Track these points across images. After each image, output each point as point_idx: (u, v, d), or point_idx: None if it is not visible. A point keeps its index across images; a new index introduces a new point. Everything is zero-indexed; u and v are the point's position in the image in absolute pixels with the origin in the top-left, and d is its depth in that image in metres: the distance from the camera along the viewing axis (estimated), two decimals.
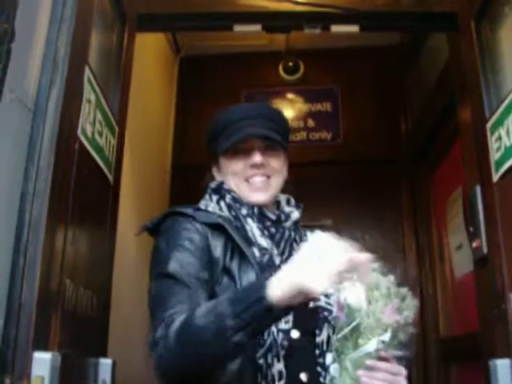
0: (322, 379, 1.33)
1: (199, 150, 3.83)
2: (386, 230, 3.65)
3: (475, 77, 2.08)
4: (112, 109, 1.87)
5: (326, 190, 3.63)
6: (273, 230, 1.51)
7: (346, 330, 1.28)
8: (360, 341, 1.27)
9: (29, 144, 1.36)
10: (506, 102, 1.78)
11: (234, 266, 1.40)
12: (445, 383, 3.11)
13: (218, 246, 1.42)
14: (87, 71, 1.57)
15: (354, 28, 2.42)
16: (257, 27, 2.42)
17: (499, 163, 1.83)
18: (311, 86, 4.03)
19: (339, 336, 1.29)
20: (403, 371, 1.29)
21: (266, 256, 1.44)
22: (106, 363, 1.75)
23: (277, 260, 1.45)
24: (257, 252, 1.44)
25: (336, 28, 2.45)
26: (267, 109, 1.65)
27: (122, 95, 2.03)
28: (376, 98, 3.93)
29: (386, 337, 1.26)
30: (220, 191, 1.62)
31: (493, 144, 1.89)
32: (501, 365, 1.71)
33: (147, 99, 3.24)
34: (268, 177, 1.53)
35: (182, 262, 1.36)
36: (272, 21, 2.48)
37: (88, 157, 1.61)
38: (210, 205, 1.61)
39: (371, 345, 1.25)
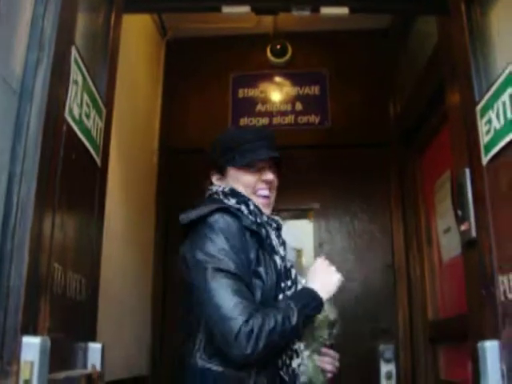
0: (293, 362, 1.69)
1: (186, 133, 3.87)
2: (374, 213, 3.66)
3: (465, 60, 2.07)
4: (99, 90, 1.84)
5: (314, 174, 3.63)
6: (281, 238, 1.86)
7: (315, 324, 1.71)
8: (316, 333, 1.71)
9: (15, 125, 1.34)
10: (496, 84, 1.77)
11: (262, 269, 1.69)
12: (432, 365, 3.13)
13: (252, 250, 1.70)
14: (74, 52, 1.54)
15: (343, 10, 2.39)
16: (245, 8, 2.39)
17: (489, 146, 1.82)
18: (299, 69, 4.01)
19: (308, 330, 1.70)
20: (337, 355, 1.78)
21: (284, 263, 1.77)
22: (95, 347, 1.74)
23: (288, 264, 1.79)
24: (278, 260, 1.75)
25: (325, 10, 2.42)
26: (270, 131, 1.99)
27: (109, 77, 1.99)
28: (365, 81, 3.92)
29: (333, 330, 1.75)
30: (238, 196, 1.85)
31: (482, 127, 1.88)
32: (489, 346, 1.72)
33: (134, 82, 3.21)
34: (272, 193, 1.88)
35: (239, 263, 1.64)
36: (261, 2, 2.45)
37: (76, 139, 1.58)
38: (240, 207, 1.82)
39: (324, 336, 1.73)
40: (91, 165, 1.79)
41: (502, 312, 1.74)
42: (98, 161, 1.84)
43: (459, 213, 2.15)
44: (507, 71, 1.68)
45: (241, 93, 3.97)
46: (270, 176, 1.85)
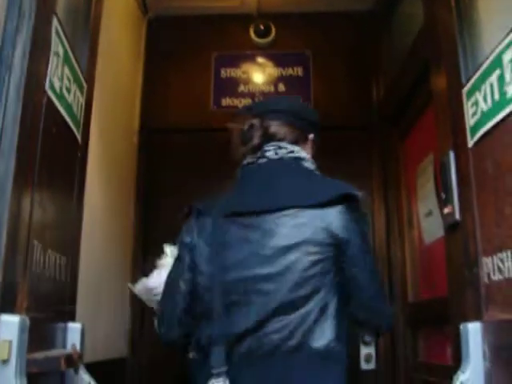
0: None
1: (167, 113, 3.82)
2: None
3: (452, 41, 2.05)
4: (81, 65, 1.80)
5: None
6: None
7: None
8: None
9: None
10: (484, 66, 1.76)
11: None
12: (412, 347, 3.15)
13: None
14: (55, 22, 1.49)
15: None
16: None
17: (475, 128, 1.81)
18: (283, 49, 3.96)
19: None
20: None
21: None
22: (74, 327, 1.72)
23: None
24: None
25: None
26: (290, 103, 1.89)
27: (90, 52, 1.96)
28: (348, 63, 3.89)
29: None
30: None
31: (469, 109, 1.87)
32: (472, 328, 1.72)
33: (115, 59, 3.14)
34: None
35: None
36: None
37: (56, 113, 1.54)
38: None
39: None
40: (72, 141, 1.75)
41: (485, 294, 1.74)
42: (79, 137, 1.80)
43: (442, 196, 2.15)
44: (495, 52, 1.67)
45: (223, 73, 3.91)
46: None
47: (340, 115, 3.76)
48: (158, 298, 1.74)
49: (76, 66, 1.73)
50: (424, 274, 3.09)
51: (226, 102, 3.86)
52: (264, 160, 1.70)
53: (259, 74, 3.93)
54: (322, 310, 1.52)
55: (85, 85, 1.84)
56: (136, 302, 3.49)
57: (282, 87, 3.89)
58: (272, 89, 3.88)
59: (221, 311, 1.49)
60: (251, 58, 3.96)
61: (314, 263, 1.52)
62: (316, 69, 3.92)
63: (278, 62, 3.94)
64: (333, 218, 1.56)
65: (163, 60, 3.90)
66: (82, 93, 1.80)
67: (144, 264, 3.57)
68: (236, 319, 1.50)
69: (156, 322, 1.67)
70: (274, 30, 3.91)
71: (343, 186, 1.65)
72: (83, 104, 1.83)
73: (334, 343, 1.51)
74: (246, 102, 3.85)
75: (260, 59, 3.96)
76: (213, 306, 1.51)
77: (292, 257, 1.51)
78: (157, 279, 1.84)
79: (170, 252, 1.95)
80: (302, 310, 1.50)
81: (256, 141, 1.71)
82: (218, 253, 1.55)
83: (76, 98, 1.73)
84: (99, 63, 2.14)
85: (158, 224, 3.66)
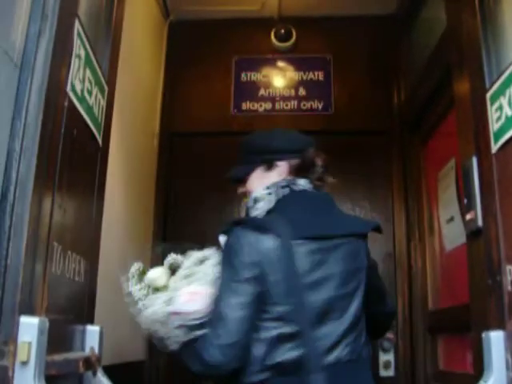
0: None
1: (187, 116, 3.82)
2: (376, 201, 3.62)
3: (475, 45, 2.03)
4: (102, 67, 1.80)
5: None
6: None
7: None
8: None
9: (15, 99, 1.30)
10: (509, 70, 1.74)
11: None
12: (431, 355, 3.11)
13: None
14: (77, 24, 1.49)
15: None
16: None
17: (499, 134, 1.79)
18: (303, 53, 3.94)
19: None
20: None
21: None
22: (93, 330, 1.72)
23: None
24: None
25: None
26: (242, 143, 1.95)
27: (112, 54, 1.96)
28: (369, 67, 3.87)
29: None
30: None
31: (492, 114, 1.85)
32: (494, 336, 1.70)
33: (136, 62, 3.16)
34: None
35: None
36: None
37: (77, 115, 1.54)
38: None
39: None
40: (92, 143, 1.76)
41: (508, 302, 1.72)
42: (100, 140, 1.80)
43: (465, 201, 2.12)
44: None
45: (243, 77, 3.91)
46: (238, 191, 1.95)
47: (360, 120, 3.74)
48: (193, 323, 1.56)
49: (97, 68, 1.73)
50: (445, 281, 3.05)
51: (247, 105, 3.85)
52: (299, 187, 1.81)
53: (280, 78, 3.91)
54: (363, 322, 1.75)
55: (106, 87, 1.85)
56: None
57: (302, 91, 3.87)
58: (293, 93, 3.87)
59: (308, 332, 1.54)
60: (272, 62, 3.95)
61: (365, 284, 1.73)
62: (337, 73, 3.90)
63: (298, 66, 3.93)
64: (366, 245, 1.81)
65: (184, 63, 3.91)
66: (103, 95, 1.80)
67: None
68: (322, 339, 1.58)
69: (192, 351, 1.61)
70: (294, 34, 3.90)
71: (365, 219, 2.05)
72: (104, 107, 1.83)
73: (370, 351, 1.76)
74: (267, 106, 3.84)
75: (280, 63, 3.95)
76: (299, 328, 1.54)
77: (357, 280, 1.70)
78: (197, 301, 1.58)
79: (198, 259, 1.74)
80: (361, 325, 1.71)
81: None
82: (294, 275, 1.57)
83: (97, 100, 1.73)
84: (120, 66, 2.14)
85: (177, 227, 3.66)
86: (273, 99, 3.86)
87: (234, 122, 3.80)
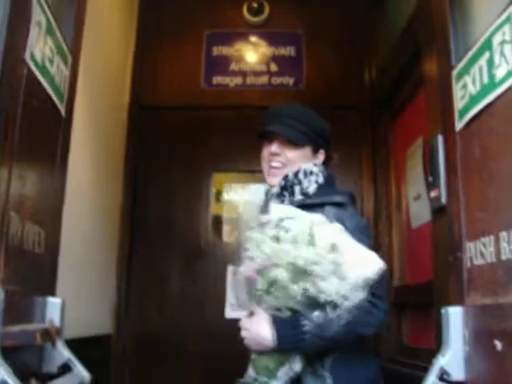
0: None
1: (158, 89, 3.78)
2: (345, 178, 3.62)
3: (443, 24, 2.03)
4: (65, 37, 1.76)
5: None
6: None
7: None
8: None
9: None
10: (474, 49, 1.74)
11: None
12: (397, 330, 3.15)
13: None
14: None
15: None
16: None
17: (463, 112, 1.80)
18: (275, 28, 3.91)
19: None
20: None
21: None
22: (54, 302, 1.71)
23: None
24: None
25: None
26: (299, 111, 2.01)
27: (76, 23, 1.92)
28: (342, 43, 3.85)
29: None
30: None
31: (457, 92, 1.85)
32: (453, 312, 1.72)
33: (104, 33, 3.10)
34: (282, 165, 1.93)
35: None
36: None
37: (37, 85, 1.51)
38: None
39: None
40: (55, 113, 1.72)
41: (467, 278, 1.74)
42: (63, 110, 1.77)
43: (430, 179, 2.14)
44: (485, 35, 1.65)
45: (215, 51, 3.86)
46: (271, 148, 1.94)
47: (331, 96, 3.73)
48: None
49: (60, 37, 1.69)
50: (411, 258, 3.09)
51: (217, 80, 3.82)
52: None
53: (251, 53, 3.88)
54: None
55: (70, 57, 1.81)
56: (122, 278, 3.49)
57: (273, 67, 3.85)
58: (264, 68, 3.84)
59: None
60: (243, 37, 3.91)
61: None
62: (309, 49, 3.88)
63: (270, 41, 3.89)
64: None
65: (155, 36, 3.85)
66: (66, 65, 1.77)
67: (130, 244, 3.56)
68: None
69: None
70: (267, 8, 3.86)
71: None
72: (67, 76, 1.80)
73: None
74: (237, 80, 3.81)
75: (252, 38, 3.91)
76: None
77: None
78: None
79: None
80: None
81: None
82: None
83: (59, 69, 1.70)
84: (87, 36, 2.10)
85: (147, 199, 3.64)
86: (244, 74, 3.83)
87: (205, 96, 3.77)
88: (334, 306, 1.53)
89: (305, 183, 1.90)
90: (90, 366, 1.78)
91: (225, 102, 3.76)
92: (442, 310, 1.76)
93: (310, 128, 1.97)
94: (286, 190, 1.91)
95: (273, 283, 1.54)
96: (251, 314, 1.69)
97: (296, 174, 1.91)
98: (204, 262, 3.57)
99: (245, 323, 1.71)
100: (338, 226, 1.63)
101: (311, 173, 1.93)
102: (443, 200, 1.98)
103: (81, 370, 1.70)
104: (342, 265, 1.53)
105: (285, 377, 1.62)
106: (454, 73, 1.88)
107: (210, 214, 3.71)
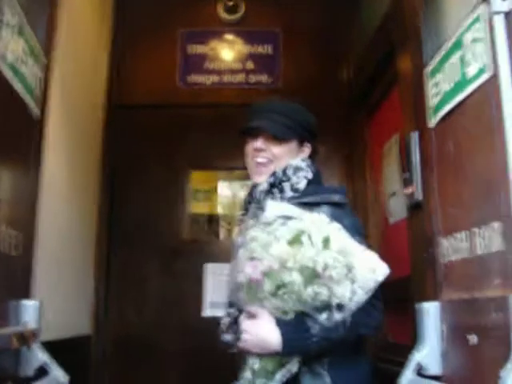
0: None
1: (133, 88, 3.76)
2: (323, 174, 3.64)
3: (417, 22, 2.05)
4: (38, 37, 1.75)
5: None
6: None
7: None
8: None
9: None
10: (446, 46, 1.76)
11: None
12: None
13: None
14: None
15: None
16: None
17: (436, 109, 1.82)
18: (252, 27, 3.90)
19: None
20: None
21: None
22: (30, 305, 1.69)
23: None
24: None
25: None
26: (283, 104, 1.99)
27: (49, 23, 1.89)
28: (318, 41, 3.86)
29: None
30: None
31: (431, 90, 1.87)
32: (429, 307, 1.75)
33: (79, 33, 3.06)
34: (270, 160, 1.91)
35: None
36: None
37: (8, 88, 1.49)
38: None
39: None
40: (27, 114, 1.70)
41: (442, 273, 1.77)
42: (36, 111, 1.75)
43: (406, 176, 2.16)
44: (457, 33, 1.67)
45: (190, 49, 3.84)
46: (256, 144, 1.91)
47: (308, 94, 3.72)
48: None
49: (33, 37, 1.68)
50: (387, 254, 3.10)
51: (192, 79, 3.80)
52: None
53: (227, 51, 3.87)
54: None
55: (43, 58, 1.79)
56: (100, 278, 3.47)
57: (250, 65, 3.84)
58: (240, 66, 3.83)
59: None
60: (219, 35, 3.90)
61: None
62: (286, 47, 3.87)
63: (246, 39, 3.88)
64: None
65: (130, 34, 3.82)
66: (39, 66, 1.75)
67: (108, 244, 3.54)
68: None
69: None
70: (243, 6, 3.86)
71: None
72: (42, 77, 1.78)
73: None
74: (214, 79, 3.80)
75: (228, 36, 3.90)
76: None
77: None
78: None
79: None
80: None
81: None
82: None
83: (33, 71, 1.68)
84: (61, 36, 2.09)
85: (124, 198, 3.62)
86: (220, 72, 3.82)
87: (180, 95, 3.76)
88: (340, 308, 1.53)
89: (294, 179, 1.87)
90: (68, 368, 1.77)
91: (201, 101, 3.75)
92: (418, 306, 1.79)
93: (295, 122, 1.94)
94: (275, 187, 1.87)
95: (281, 286, 1.51)
96: (250, 315, 1.63)
97: (284, 171, 1.89)
98: (182, 261, 3.56)
99: (247, 326, 1.64)
100: (337, 226, 1.62)
101: (300, 169, 1.90)
102: (419, 196, 2.00)
103: (58, 373, 1.69)
104: (354, 268, 1.53)
105: (283, 378, 1.59)
106: (427, 71, 1.90)
107: (188, 213, 3.71)
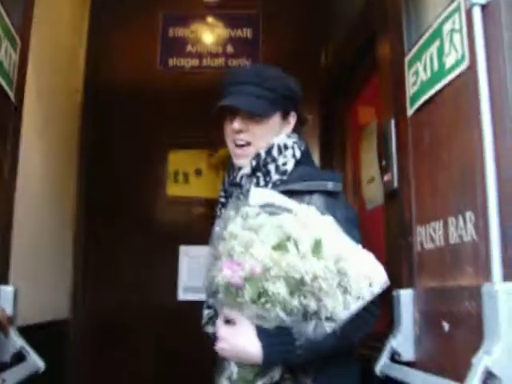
0: None
1: (113, 72, 3.72)
2: None
3: (398, 10, 2.05)
4: (13, 20, 1.72)
5: None
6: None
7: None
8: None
9: None
10: (425, 35, 1.77)
11: None
12: None
13: None
14: None
15: None
16: None
17: (414, 98, 1.83)
18: (232, 10, 3.88)
19: None
20: None
21: None
22: (6, 290, 1.68)
23: None
24: None
25: None
26: (260, 74, 1.70)
27: (25, 7, 1.87)
28: (298, 25, 3.84)
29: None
30: None
31: (410, 78, 1.88)
32: (403, 295, 1.77)
33: (56, 16, 3.02)
34: (248, 143, 1.67)
35: None
36: None
37: None
38: None
39: None
40: (3, 99, 1.68)
41: (417, 262, 1.79)
42: (12, 96, 1.73)
43: (383, 163, 2.17)
44: (436, 23, 1.67)
45: (171, 32, 3.82)
46: (234, 125, 1.67)
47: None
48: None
49: (7, 20, 1.65)
50: (364, 241, 3.12)
51: (173, 62, 3.78)
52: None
53: (208, 35, 3.85)
54: None
55: (18, 41, 1.77)
56: (78, 264, 3.45)
57: (230, 49, 3.83)
58: (220, 50, 3.82)
59: None
60: (200, 18, 3.87)
61: None
62: (265, 30, 3.86)
63: (227, 22, 3.86)
64: None
65: (109, 17, 3.76)
66: (14, 49, 1.73)
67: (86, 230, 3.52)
68: None
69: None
70: None
71: None
72: (17, 61, 1.76)
73: None
74: (194, 62, 3.79)
75: (209, 19, 3.88)
76: None
77: None
78: None
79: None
80: None
81: None
82: None
83: (8, 54, 1.66)
84: (38, 19, 2.05)
85: (103, 182, 3.60)
86: (200, 56, 3.80)
87: (160, 78, 3.74)
88: (330, 318, 1.33)
89: (280, 160, 1.66)
90: (46, 351, 1.77)
91: (181, 84, 3.73)
92: (394, 293, 1.81)
93: (275, 92, 1.69)
94: (259, 170, 1.66)
95: (263, 294, 1.31)
96: (227, 321, 1.44)
97: (269, 151, 1.67)
98: (160, 244, 3.56)
99: (225, 333, 1.43)
100: (329, 220, 1.41)
101: (286, 147, 1.69)
102: (395, 184, 2.02)
103: (35, 359, 1.69)
104: (348, 276, 1.33)
105: None
106: (407, 59, 1.91)
107: (166, 195, 3.71)
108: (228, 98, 1.66)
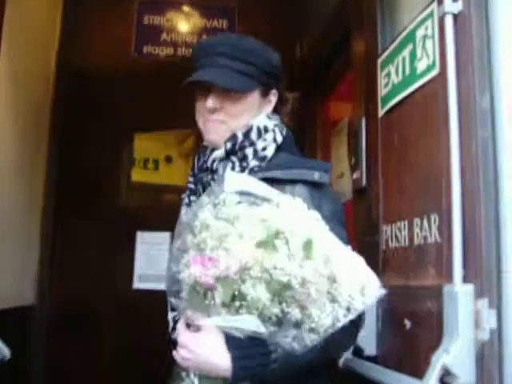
0: None
1: (87, 56, 3.68)
2: None
3: (373, 10, 2.08)
4: None
5: None
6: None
7: None
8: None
9: None
10: (399, 39, 1.80)
11: None
12: None
13: None
14: None
15: None
16: None
17: (386, 99, 1.86)
18: (208, 0, 3.87)
19: None
20: None
21: None
22: None
23: None
24: None
25: None
26: (235, 45, 1.49)
27: None
28: (274, 19, 3.84)
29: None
30: None
31: (382, 80, 1.91)
32: None
33: (30, 1, 2.97)
34: (223, 122, 1.46)
35: None
36: None
37: None
38: None
39: None
40: None
41: (382, 260, 1.83)
42: None
43: (353, 161, 2.21)
44: (410, 27, 1.71)
45: (146, 20, 3.79)
46: (207, 103, 1.45)
47: None
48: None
49: None
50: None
51: (148, 49, 3.76)
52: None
53: (183, 24, 3.83)
54: None
55: None
56: (45, 252, 3.43)
57: None
58: (195, 39, 3.80)
59: None
60: (176, 7, 3.85)
61: None
62: (241, 22, 3.86)
63: (203, 12, 3.85)
64: None
65: (84, 2, 3.72)
66: None
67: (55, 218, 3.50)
68: None
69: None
70: None
71: None
72: None
73: None
74: (168, 51, 3.77)
75: (185, 8, 3.86)
76: None
77: None
78: None
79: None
80: None
81: None
82: None
83: None
84: (11, 4, 2.03)
85: (72, 167, 3.57)
86: (175, 44, 3.79)
87: (134, 65, 3.71)
88: (313, 329, 1.13)
89: (259, 144, 1.46)
90: (11, 338, 1.77)
91: (154, 72, 3.71)
92: None
93: (254, 66, 1.48)
94: (234, 154, 1.45)
95: (238, 297, 1.11)
96: (189, 326, 1.25)
97: (247, 134, 1.47)
98: (124, 231, 3.56)
99: (187, 340, 1.23)
100: (315, 215, 1.21)
101: (266, 129, 1.49)
102: (364, 182, 2.06)
103: (0, 347, 1.69)
104: (338, 282, 1.13)
105: None
106: (380, 60, 1.94)
107: (132, 181, 3.74)
108: (200, 71, 1.46)
